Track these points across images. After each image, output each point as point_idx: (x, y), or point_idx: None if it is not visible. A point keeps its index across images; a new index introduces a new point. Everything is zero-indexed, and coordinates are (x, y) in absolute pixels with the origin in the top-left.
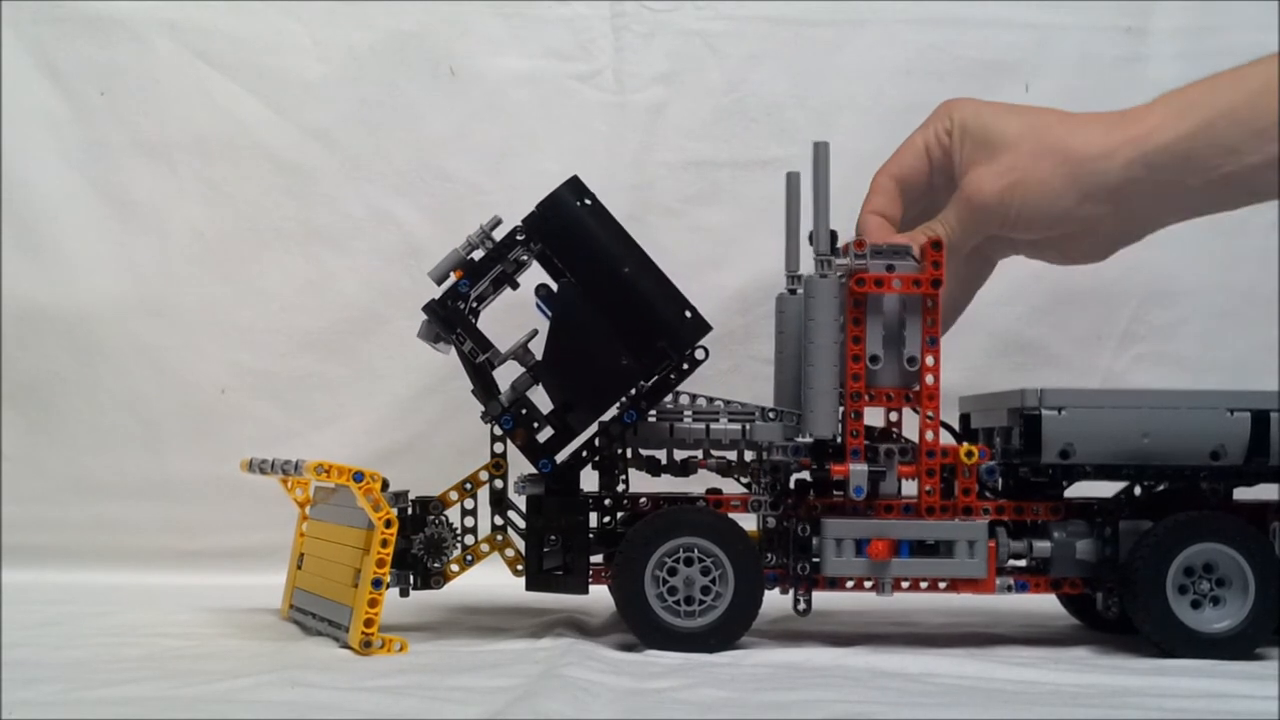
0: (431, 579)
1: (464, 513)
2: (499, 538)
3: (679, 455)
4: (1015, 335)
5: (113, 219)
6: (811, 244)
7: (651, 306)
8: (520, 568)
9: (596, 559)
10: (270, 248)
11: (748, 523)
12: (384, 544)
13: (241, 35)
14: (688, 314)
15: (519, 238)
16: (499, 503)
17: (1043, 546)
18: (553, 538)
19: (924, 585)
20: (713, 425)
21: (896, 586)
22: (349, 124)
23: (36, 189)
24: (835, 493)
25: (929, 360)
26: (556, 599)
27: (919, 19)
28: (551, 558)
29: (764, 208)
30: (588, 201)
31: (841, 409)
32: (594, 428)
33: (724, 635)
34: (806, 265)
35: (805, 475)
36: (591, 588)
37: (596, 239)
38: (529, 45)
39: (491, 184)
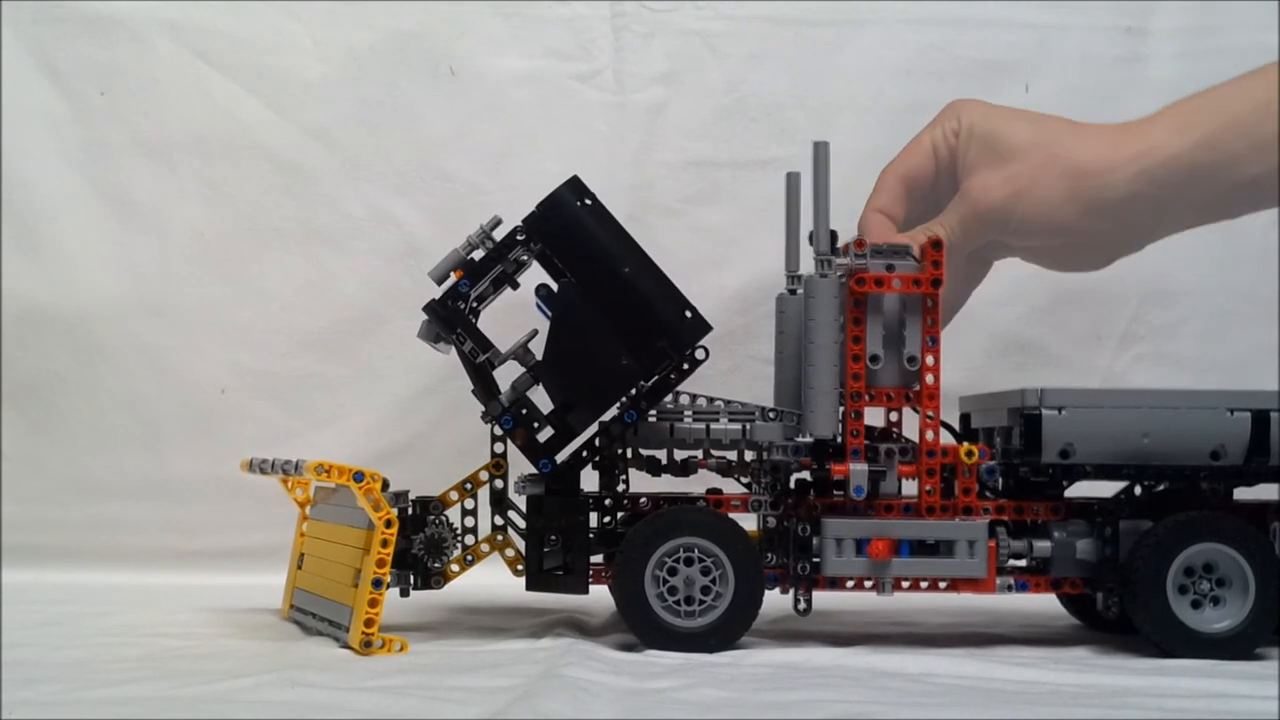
0: (431, 579)
1: (464, 513)
2: (499, 538)
3: (679, 455)
4: (1015, 335)
5: (113, 219)
6: (811, 244)
7: (651, 306)
8: (520, 568)
9: (596, 559)
10: (270, 248)
11: (748, 523)
12: (384, 544)
13: (241, 35)
14: (688, 314)
15: (519, 238)
16: (499, 503)
17: (1043, 546)
18: (553, 538)
19: (924, 585)
20: (713, 425)
21: (897, 586)
22: (349, 124)
23: (36, 189)
24: (835, 492)
25: (929, 360)
26: (556, 599)
27: (919, 19)
28: (551, 558)
29: (764, 208)
30: (588, 201)
31: (841, 409)
32: (594, 428)
33: (724, 635)
34: (806, 265)
35: (805, 475)
36: (591, 588)
37: (596, 239)
38: (529, 45)
39: (491, 184)
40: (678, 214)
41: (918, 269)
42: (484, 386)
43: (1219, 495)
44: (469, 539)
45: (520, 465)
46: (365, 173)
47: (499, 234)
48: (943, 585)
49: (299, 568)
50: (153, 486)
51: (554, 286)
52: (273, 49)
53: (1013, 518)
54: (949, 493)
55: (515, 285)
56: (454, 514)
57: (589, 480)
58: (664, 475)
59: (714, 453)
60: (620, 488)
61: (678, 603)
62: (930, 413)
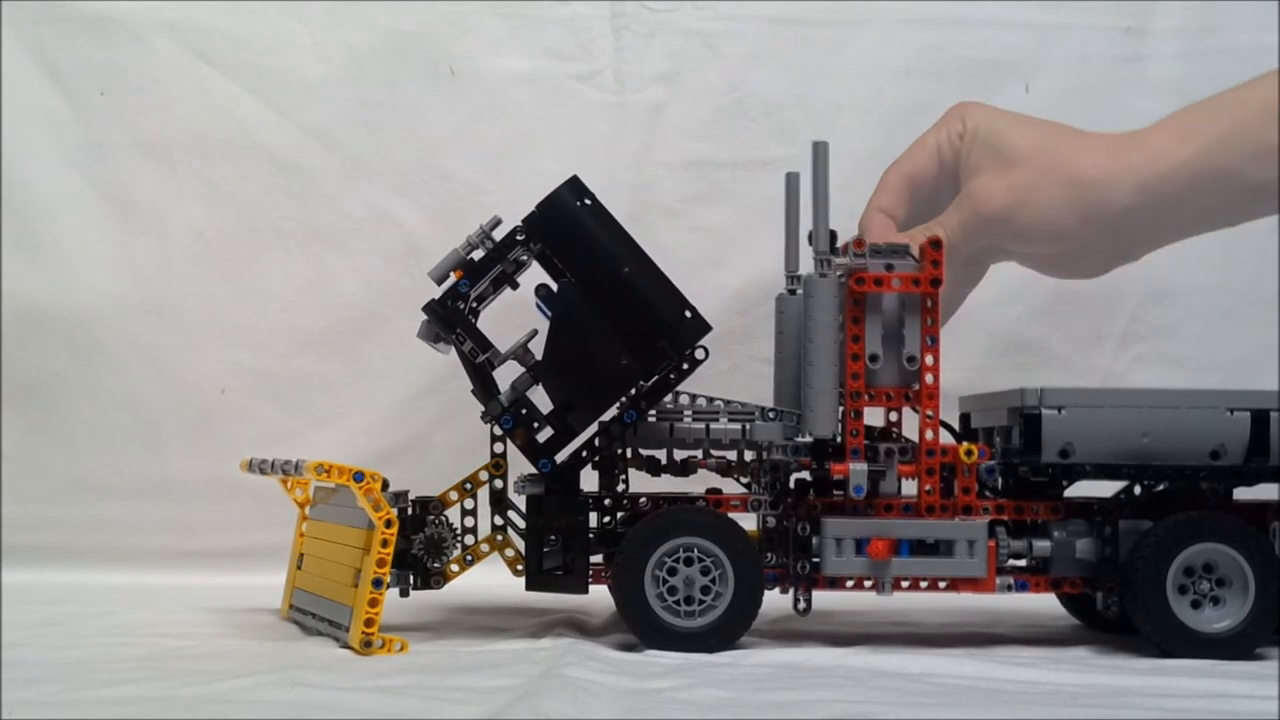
0: (431, 579)
1: (464, 513)
2: (499, 538)
3: (679, 455)
4: (1015, 335)
5: (113, 219)
6: (811, 244)
7: (651, 306)
8: (520, 568)
9: (596, 559)
10: (270, 248)
11: (748, 522)
12: (384, 544)
13: (241, 35)
14: (687, 314)
15: (519, 238)
16: (499, 503)
17: (1043, 546)
18: (553, 538)
19: (924, 585)
20: (713, 425)
21: (896, 586)
22: (349, 124)
23: (36, 189)
24: (835, 492)
25: (928, 359)
26: (556, 599)
27: (919, 19)
28: (551, 558)
29: (764, 208)
30: (587, 201)
31: (841, 408)
32: (594, 428)
33: (724, 635)
34: (806, 266)
35: (805, 475)
36: (591, 588)
37: (596, 239)
38: (529, 45)
39: (491, 184)
40: (678, 214)
41: (917, 268)
42: (484, 386)
43: (1219, 495)
44: (469, 539)
45: (520, 465)
46: (365, 173)
47: (499, 234)
48: (942, 585)
49: (299, 568)
50: (153, 486)
51: (554, 286)
52: (273, 49)
53: (1012, 517)
54: (949, 492)
55: (515, 285)
56: (454, 514)
57: (589, 480)
58: (664, 475)
59: (714, 453)
60: (620, 488)
61: (677, 603)
62: (930, 412)
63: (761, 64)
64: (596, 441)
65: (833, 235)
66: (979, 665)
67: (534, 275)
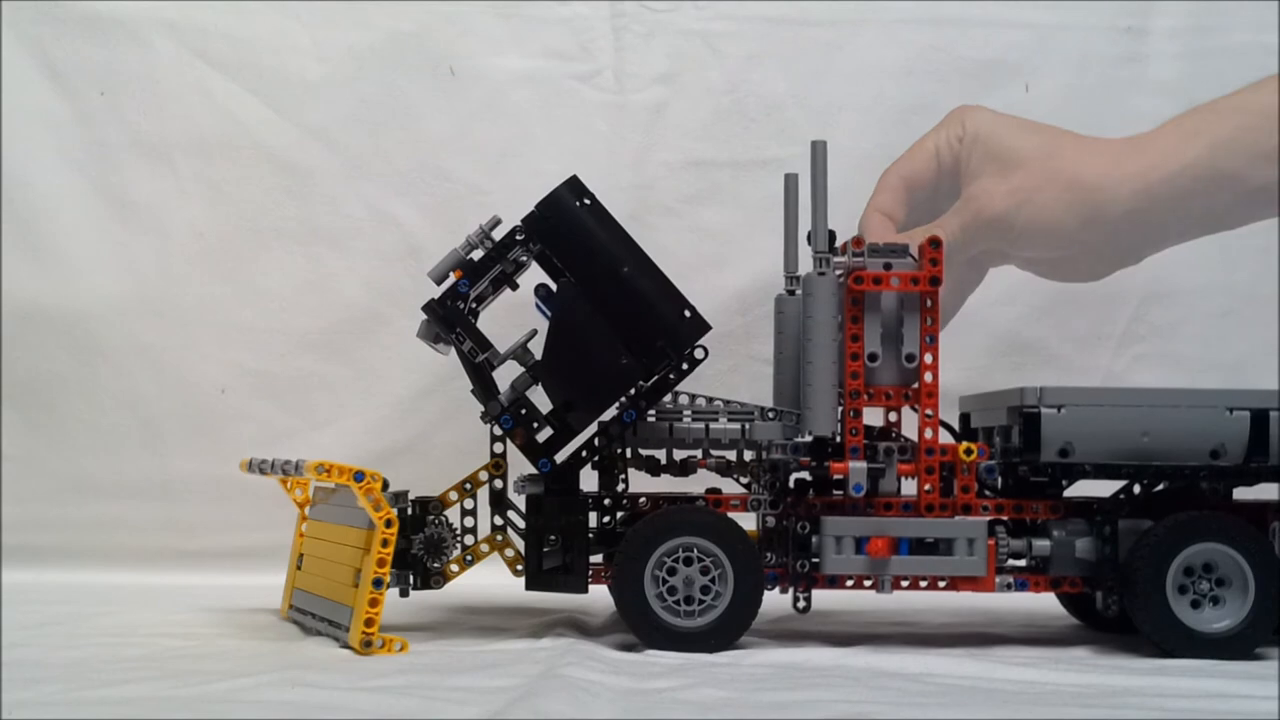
0: (431, 579)
1: (464, 513)
2: (499, 538)
3: (679, 455)
4: (1015, 335)
5: (113, 219)
6: (810, 243)
7: (651, 306)
8: (520, 568)
9: (596, 559)
10: (270, 248)
11: (747, 522)
12: (385, 544)
13: (241, 35)
14: (687, 313)
15: (518, 238)
16: (499, 503)
17: (1042, 545)
18: (553, 538)
19: (924, 583)
20: (712, 425)
21: (896, 584)
22: (349, 124)
23: (36, 189)
24: (835, 491)
25: (928, 358)
26: (556, 599)
27: (919, 19)
28: (551, 557)
29: (764, 208)
30: (587, 201)
31: (840, 408)
32: (594, 427)
33: (724, 635)
34: (805, 266)
35: (805, 474)
36: (591, 588)
37: (596, 239)
38: (529, 45)
39: (491, 184)
40: (678, 214)
41: (916, 267)
42: (483, 386)
43: (1219, 495)
44: (469, 539)
45: (520, 465)
46: (365, 173)
47: (498, 234)
48: (942, 584)
49: (299, 568)
50: (153, 486)
51: (553, 286)
52: (273, 49)
53: (1012, 516)
54: (948, 491)
55: (514, 286)
56: (454, 514)
57: (589, 480)
58: (664, 475)
59: (713, 452)
60: (620, 487)
61: (677, 602)
62: (929, 411)
63: (761, 64)
64: (596, 441)
65: (831, 235)
66: (979, 665)
67: (534, 275)
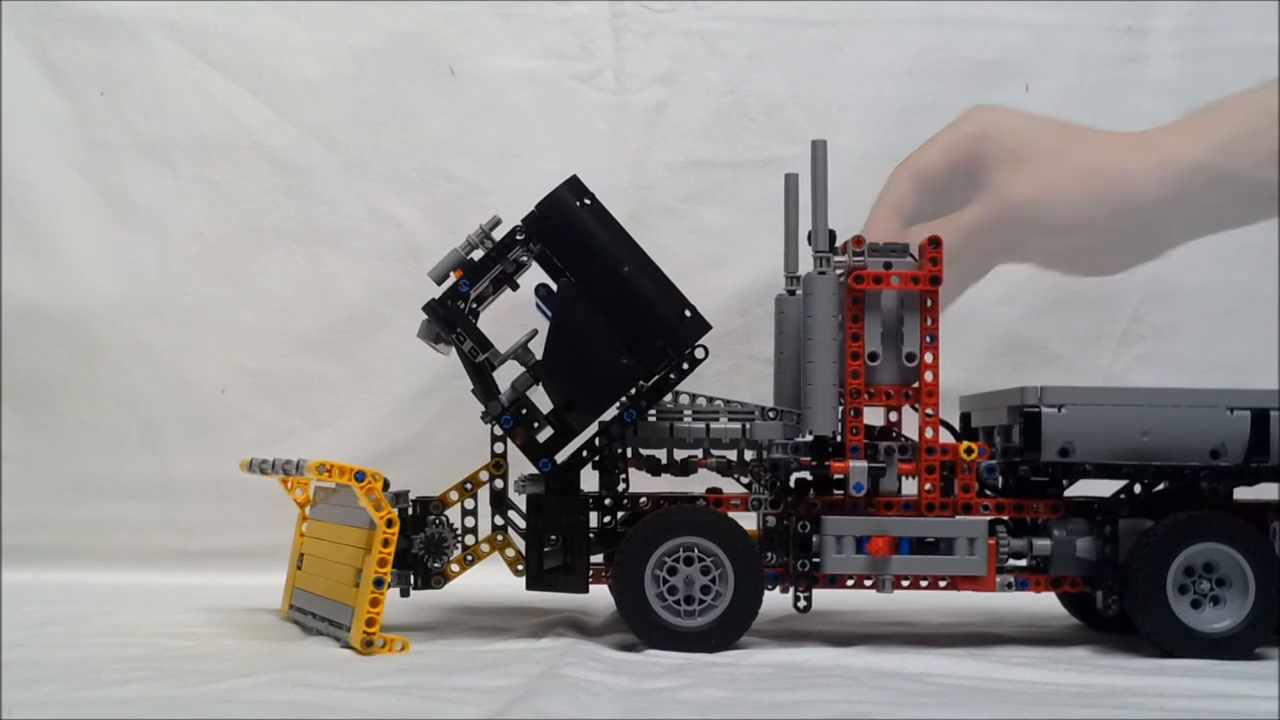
0: (432, 579)
1: (464, 513)
2: (499, 538)
3: (679, 455)
4: (1015, 335)
5: (113, 219)
6: (810, 243)
7: (651, 306)
8: (520, 568)
9: (596, 559)
10: (270, 248)
11: (748, 522)
12: (386, 543)
13: (241, 35)
14: (687, 313)
15: (518, 238)
16: (499, 503)
17: (1043, 545)
18: (553, 537)
19: (924, 583)
20: (712, 424)
21: (896, 584)
22: (349, 124)
23: (36, 189)
24: (835, 491)
25: (928, 357)
26: (556, 599)
27: (919, 19)
28: (552, 557)
29: (764, 208)
30: (587, 201)
31: (841, 407)
32: (594, 427)
33: (724, 635)
34: (805, 266)
35: (805, 474)
36: (591, 587)
37: (596, 239)
38: (529, 45)
39: (491, 184)
40: (678, 214)
41: (916, 267)
42: (484, 386)
43: (1219, 494)
44: (469, 539)
45: (520, 465)
46: (365, 173)
47: (499, 234)
48: (942, 583)
49: (299, 568)
50: (153, 486)
51: (553, 286)
52: (273, 49)
53: (1012, 516)
54: (949, 491)
55: (515, 286)
56: (454, 514)
57: (589, 480)
58: (664, 475)
59: (714, 452)
60: (620, 487)
61: (678, 602)
62: (929, 410)
63: (761, 64)
64: (596, 441)
65: (831, 234)
66: (979, 665)
67: (534, 275)
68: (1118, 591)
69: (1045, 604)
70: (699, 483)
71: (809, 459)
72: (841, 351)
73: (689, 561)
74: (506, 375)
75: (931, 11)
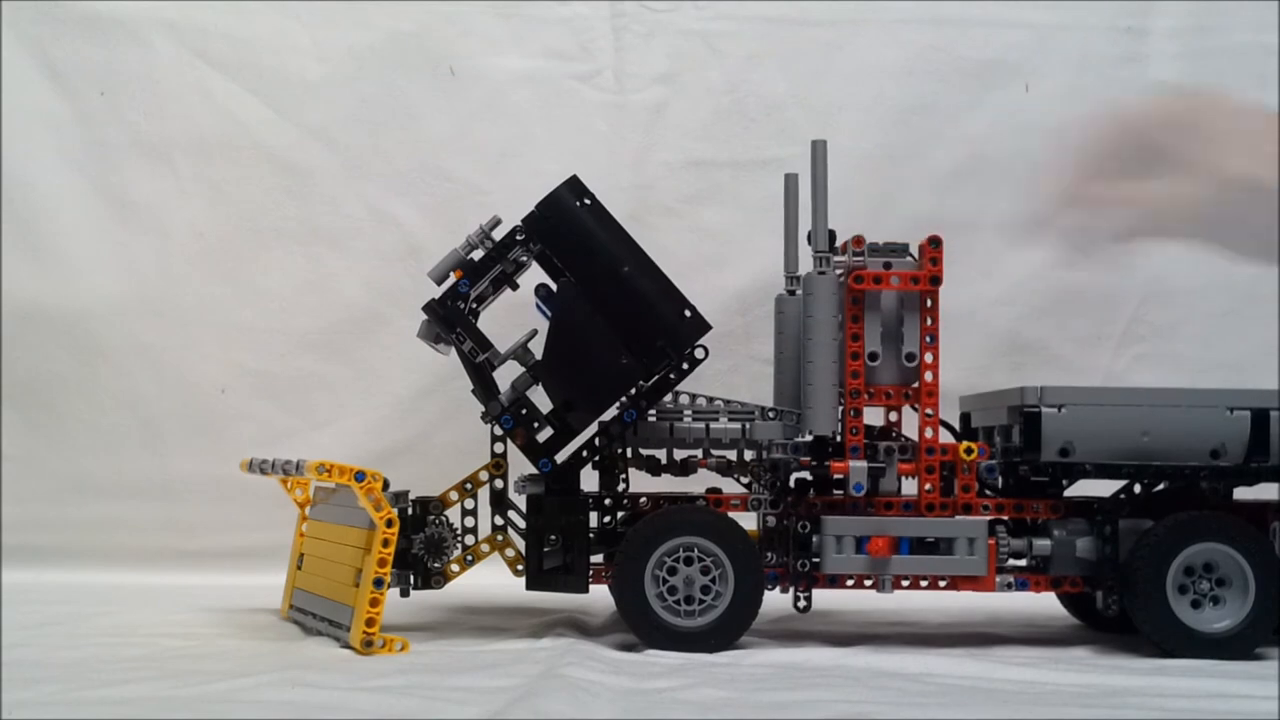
0: (432, 579)
1: (464, 513)
2: (499, 538)
3: (679, 455)
4: (1015, 335)
5: (113, 219)
6: (810, 243)
7: (651, 306)
8: (520, 568)
9: (596, 559)
10: (270, 248)
11: (748, 522)
12: (386, 543)
13: (241, 35)
14: (687, 313)
15: (518, 238)
16: (499, 503)
17: (1043, 545)
18: (553, 537)
19: (924, 583)
20: (712, 424)
21: (896, 584)
22: (349, 124)
23: (36, 189)
24: (835, 491)
25: (928, 357)
26: (556, 599)
27: (919, 19)
28: (552, 557)
29: (764, 208)
30: (587, 201)
31: (841, 407)
32: (594, 427)
33: (724, 635)
34: (805, 267)
35: (805, 474)
36: (591, 587)
37: (596, 239)
38: (529, 45)
39: (491, 184)
40: (678, 214)
41: (916, 266)
42: (484, 386)
43: (1219, 494)
44: (469, 539)
45: (520, 465)
46: (365, 173)
47: (499, 234)
48: (942, 583)
49: (299, 568)
50: (153, 486)
51: (553, 286)
52: (273, 49)
53: (1012, 516)
54: (949, 491)
55: (515, 286)
56: (454, 514)
57: (589, 480)
58: (664, 475)
59: (714, 452)
60: (620, 487)
61: (677, 602)
62: (929, 410)
63: (761, 64)
64: (596, 441)
65: (831, 234)
66: (979, 665)
67: (534, 275)
68: (1118, 591)
69: (1045, 604)
70: (699, 483)
71: (809, 459)
72: (841, 351)
73: (689, 561)
74: (506, 375)
75: (931, 11)
